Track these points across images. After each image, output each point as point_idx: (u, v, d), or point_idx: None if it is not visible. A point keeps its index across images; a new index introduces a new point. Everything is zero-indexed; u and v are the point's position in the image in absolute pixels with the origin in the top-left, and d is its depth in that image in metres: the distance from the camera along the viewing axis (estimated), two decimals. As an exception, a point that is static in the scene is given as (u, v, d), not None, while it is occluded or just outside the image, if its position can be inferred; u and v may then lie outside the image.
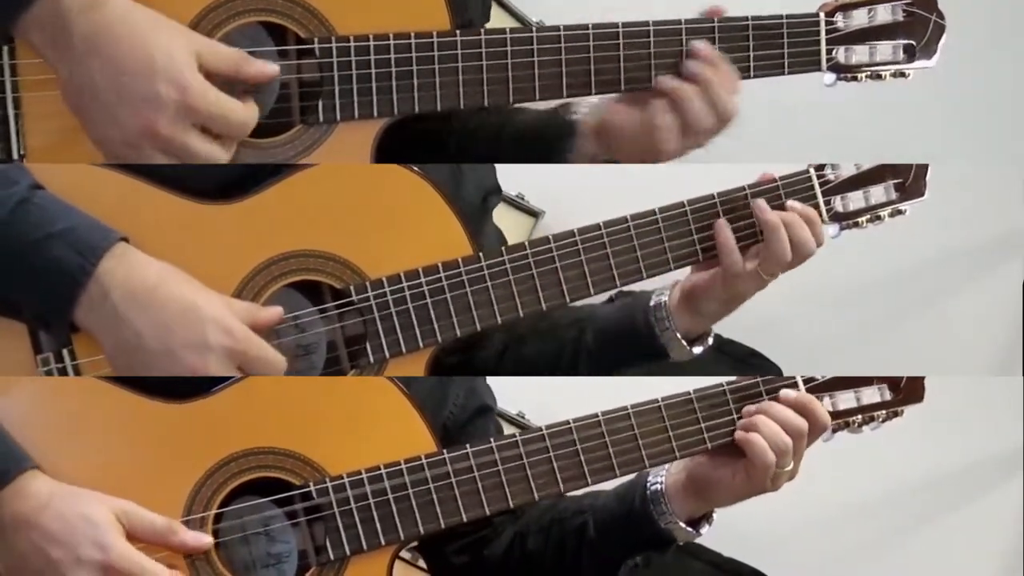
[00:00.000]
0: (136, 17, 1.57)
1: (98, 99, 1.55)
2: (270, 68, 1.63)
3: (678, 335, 1.80)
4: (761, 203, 1.74)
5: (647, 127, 1.76)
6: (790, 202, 1.75)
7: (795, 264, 1.74)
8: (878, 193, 1.80)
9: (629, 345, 1.84)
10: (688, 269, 1.79)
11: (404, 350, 1.66)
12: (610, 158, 1.84)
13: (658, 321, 1.80)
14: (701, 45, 1.74)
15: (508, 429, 1.99)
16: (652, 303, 1.81)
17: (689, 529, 1.75)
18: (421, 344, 1.66)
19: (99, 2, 1.55)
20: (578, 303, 1.75)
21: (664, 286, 1.81)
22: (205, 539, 1.57)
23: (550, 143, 1.84)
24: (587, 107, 1.83)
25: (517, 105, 1.79)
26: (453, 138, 1.89)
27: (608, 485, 1.75)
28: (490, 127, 1.90)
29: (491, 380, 1.92)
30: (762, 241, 1.74)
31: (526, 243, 1.70)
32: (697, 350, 1.83)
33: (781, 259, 1.73)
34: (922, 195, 1.81)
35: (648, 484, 1.75)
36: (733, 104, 1.76)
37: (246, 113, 1.61)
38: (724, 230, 1.74)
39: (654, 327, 1.81)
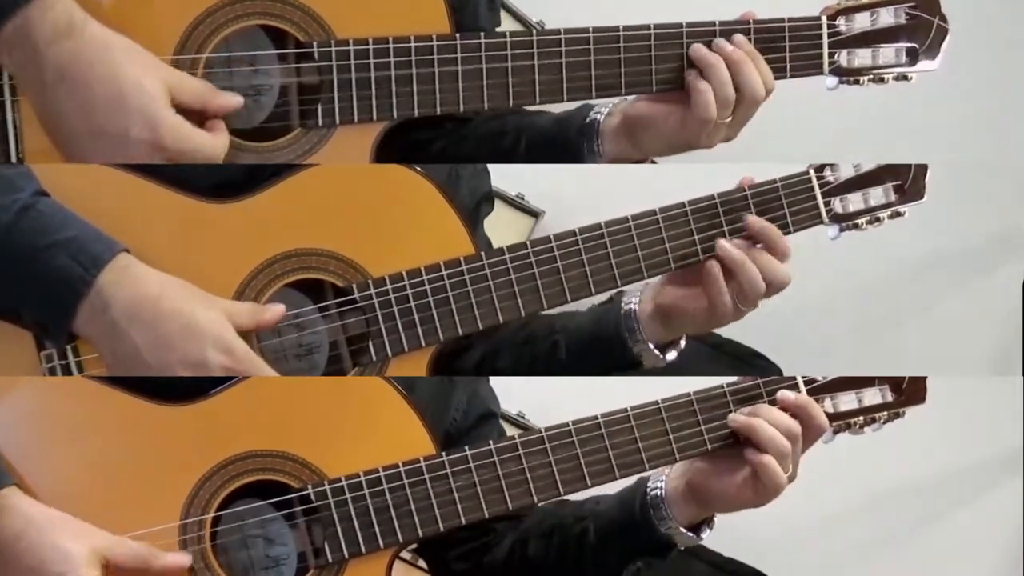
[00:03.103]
0: (110, 48, 1.55)
1: (69, 132, 1.55)
2: (234, 100, 1.62)
3: (650, 345, 1.80)
4: (722, 243, 1.73)
5: (677, 111, 1.76)
6: (753, 222, 1.75)
7: (771, 294, 1.75)
8: (877, 195, 1.80)
9: (602, 356, 1.83)
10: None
11: (406, 348, 1.66)
12: (637, 157, 1.84)
13: (630, 333, 1.80)
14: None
15: (508, 429, 1.99)
16: (623, 312, 1.80)
17: (690, 534, 1.74)
18: (423, 342, 1.66)
19: (71, 31, 1.53)
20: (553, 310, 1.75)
21: (633, 289, 1.80)
22: (184, 558, 1.57)
23: (572, 148, 1.83)
24: (607, 107, 1.83)
25: (530, 108, 1.79)
26: (467, 143, 1.89)
27: (608, 488, 1.75)
28: (506, 132, 1.89)
29: (491, 380, 1.92)
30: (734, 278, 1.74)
31: (527, 242, 1.70)
32: (670, 356, 1.82)
33: (755, 293, 1.73)
34: (921, 197, 1.81)
35: (648, 490, 1.75)
36: (757, 84, 1.75)
37: (215, 145, 1.61)
38: (714, 271, 1.73)
39: (626, 339, 1.80)
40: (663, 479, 1.74)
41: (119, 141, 1.55)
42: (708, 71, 1.74)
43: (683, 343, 1.83)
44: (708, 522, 1.76)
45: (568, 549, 1.79)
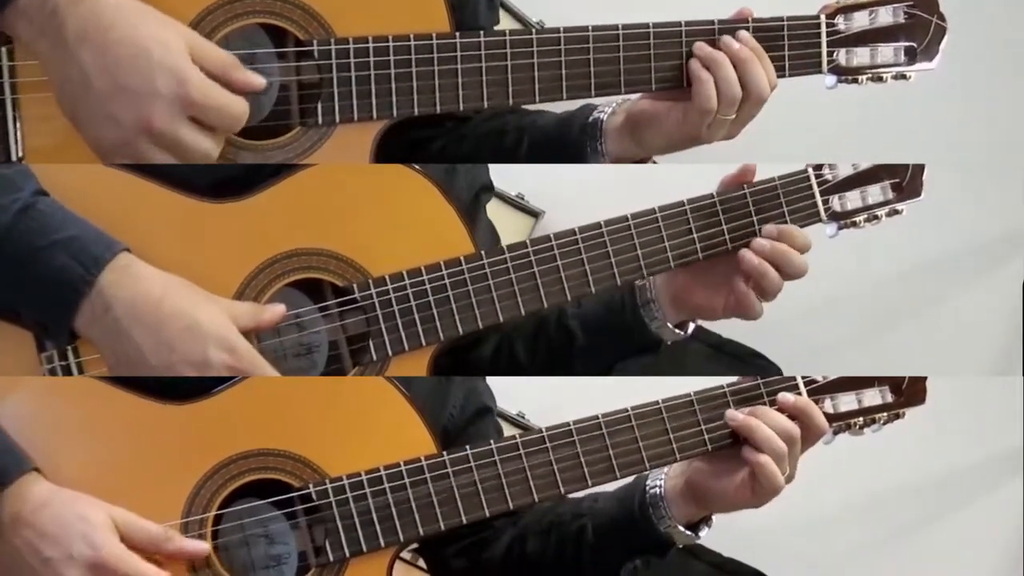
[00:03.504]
0: (122, 9, 1.56)
1: (91, 93, 1.55)
2: (257, 79, 1.63)
3: (669, 324, 1.81)
4: (744, 252, 1.74)
5: (678, 105, 1.77)
6: (771, 231, 1.75)
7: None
8: (875, 193, 1.80)
9: (622, 338, 1.84)
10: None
11: (407, 348, 1.66)
12: (641, 155, 1.84)
13: (648, 315, 1.81)
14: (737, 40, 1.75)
15: (508, 429, 1.99)
16: (638, 293, 1.81)
17: (688, 533, 1.75)
18: (424, 342, 1.67)
19: None
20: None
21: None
22: (202, 545, 1.57)
23: (575, 148, 1.84)
24: (610, 106, 1.84)
25: (532, 107, 1.79)
26: (468, 142, 1.90)
27: (609, 487, 1.75)
28: (507, 132, 1.90)
29: (491, 380, 1.92)
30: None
31: (528, 241, 1.70)
32: (690, 330, 1.84)
33: (775, 291, 1.75)
34: (919, 195, 1.81)
35: (647, 488, 1.75)
36: (763, 83, 1.76)
37: (241, 107, 1.61)
38: (741, 288, 1.75)
39: (645, 321, 1.81)
40: (662, 477, 1.75)
41: (146, 97, 1.55)
42: (713, 68, 1.74)
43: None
44: (706, 521, 1.76)
45: (566, 547, 1.79)
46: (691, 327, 1.83)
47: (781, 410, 1.72)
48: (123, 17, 1.55)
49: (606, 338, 1.84)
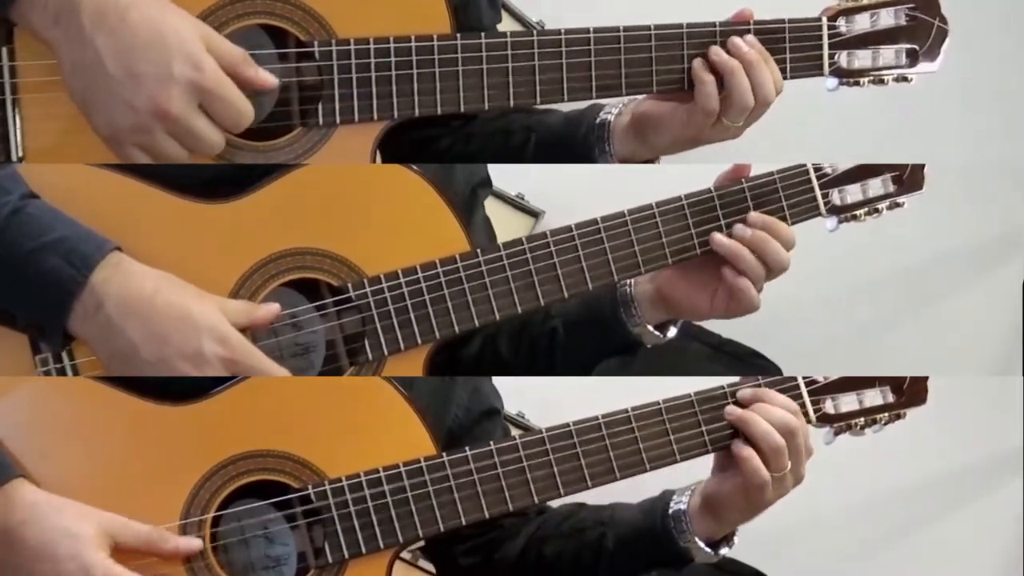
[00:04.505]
0: None
1: (106, 79, 1.55)
2: (269, 78, 1.62)
3: (649, 327, 1.80)
4: (716, 236, 1.73)
5: (681, 106, 1.77)
6: (751, 216, 1.75)
7: (772, 278, 1.75)
8: (876, 186, 1.80)
9: (602, 338, 1.84)
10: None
11: (403, 347, 1.66)
12: (647, 155, 1.84)
13: (629, 317, 1.80)
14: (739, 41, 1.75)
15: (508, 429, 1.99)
16: (619, 294, 1.81)
17: (707, 550, 1.75)
18: (419, 341, 1.66)
19: None
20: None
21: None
22: (194, 542, 1.57)
23: (583, 148, 1.84)
24: (617, 106, 1.83)
25: (542, 107, 1.79)
26: (475, 141, 1.90)
27: (610, 488, 1.74)
28: (514, 131, 1.90)
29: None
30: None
31: (523, 239, 1.70)
32: (671, 334, 1.83)
33: (756, 279, 1.73)
34: (920, 188, 1.80)
35: (671, 503, 1.75)
36: (769, 86, 1.75)
37: (248, 107, 1.61)
38: (739, 279, 1.73)
39: (625, 321, 1.81)
40: (687, 494, 1.75)
41: (160, 80, 1.55)
42: (728, 76, 1.74)
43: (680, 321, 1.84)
44: (728, 540, 1.77)
45: (584, 553, 1.79)
46: (672, 330, 1.82)
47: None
48: (138, 3, 1.56)
49: (587, 337, 1.84)
